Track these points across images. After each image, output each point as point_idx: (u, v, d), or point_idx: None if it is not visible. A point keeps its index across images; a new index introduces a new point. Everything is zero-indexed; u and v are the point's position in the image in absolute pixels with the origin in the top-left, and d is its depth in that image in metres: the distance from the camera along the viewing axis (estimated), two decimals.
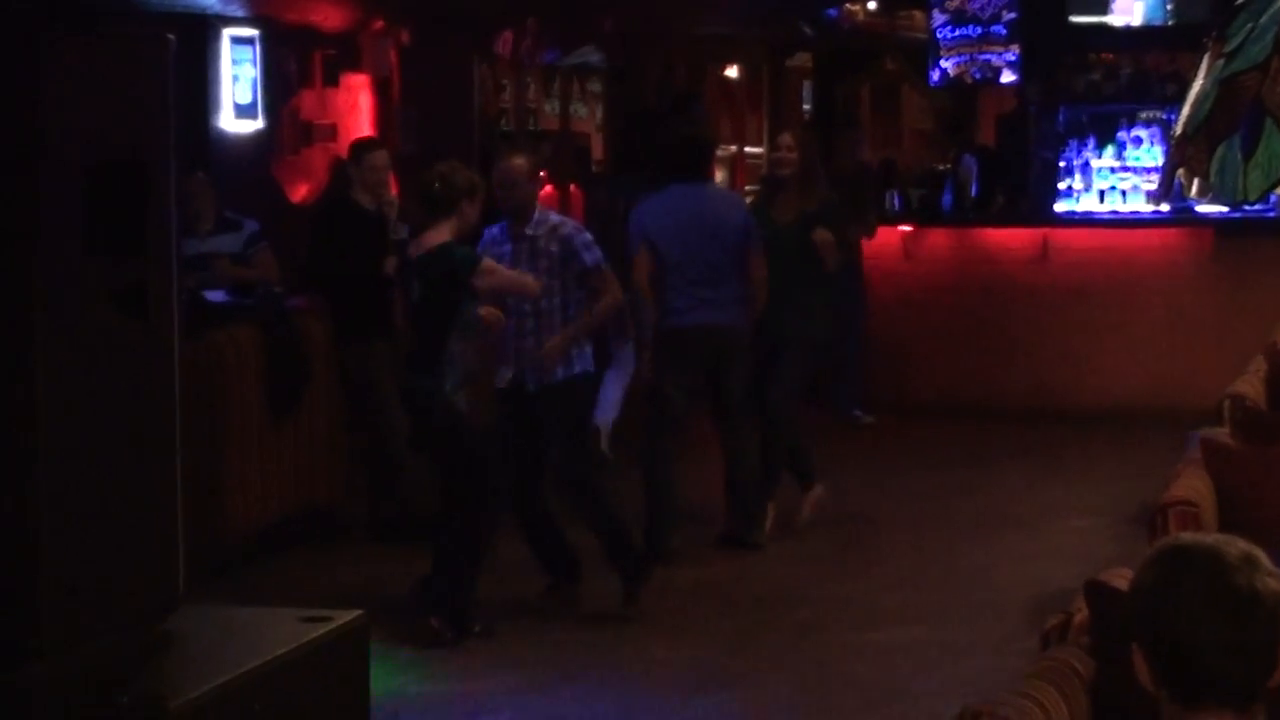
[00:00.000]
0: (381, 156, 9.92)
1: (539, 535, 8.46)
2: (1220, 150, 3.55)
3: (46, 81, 3.59)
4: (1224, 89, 3.59)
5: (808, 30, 18.09)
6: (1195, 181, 3.62)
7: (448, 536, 8.00)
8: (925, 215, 14.50)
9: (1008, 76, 15.09)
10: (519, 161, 8.42)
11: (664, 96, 16.56)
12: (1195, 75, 3.81)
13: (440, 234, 7.98)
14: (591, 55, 14.44)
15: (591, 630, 8.17)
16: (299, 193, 12.25)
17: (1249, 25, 3.61)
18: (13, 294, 3.54)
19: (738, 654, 7.89)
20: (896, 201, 14.67)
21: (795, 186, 9.95)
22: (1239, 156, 3.52)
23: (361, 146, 10.18)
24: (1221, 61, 3.65)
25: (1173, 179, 3.71)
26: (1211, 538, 3.01)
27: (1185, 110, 3.77)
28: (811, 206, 9.99)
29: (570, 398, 8.43)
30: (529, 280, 8.20)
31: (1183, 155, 3.65)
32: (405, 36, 12.79)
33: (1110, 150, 14.26)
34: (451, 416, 7.95)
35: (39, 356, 3.55)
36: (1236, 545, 2.96)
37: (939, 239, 14.05)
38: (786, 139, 10.28)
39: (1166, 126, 13.94)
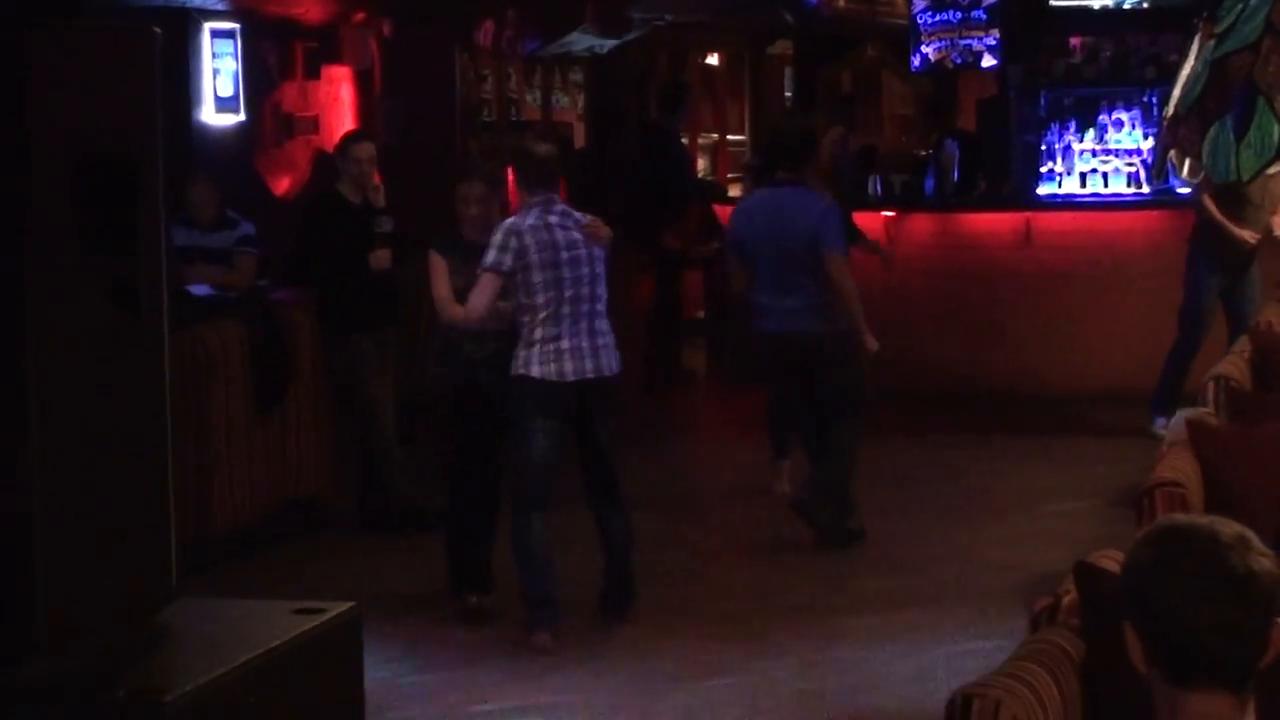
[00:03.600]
0: (366, 149, 9.87)
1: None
2: (1212, 131, 3.56)
3: (33, 76, 3.58)
4: (1215, 70, 3.60)
5: (789, 17, 18.11)
6: (1187, 162, 3.63)
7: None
8: (907, 200, 14.51)
9: (988, 61, 15.10)
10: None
11: (647, 84, 16.58)
12: (1185, 57, 3.82)
13: None
14: (577, 42, 14.40)
15: (580, 620, 8.16)
16: (281, 186, 12.24)
17: (1239, 6, 3.62)
18: (3, 291, 3.53)
19: (728, 640, 7.90)
20: (878, 187, 14.68)
21: None
22: (1231, 137, 3.53)
23: (347, 139, 10.15)
24: (1212, 42, 3.66)
25: (1165, 160, 3.72)
26: (1206, 519, 3.03)
27: (1176, 91, 3.78)
28: None
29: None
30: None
31: (1174, 136, 3.65)
32: (386, 28, 12.79)
33: (1091, 133, 14.26)
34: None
35: (31, 352, 3.55)
36: (1230, 526, 2.98)
37: (921, 224, 14.05)
38: None
39: (1147, 109, 13.95)
